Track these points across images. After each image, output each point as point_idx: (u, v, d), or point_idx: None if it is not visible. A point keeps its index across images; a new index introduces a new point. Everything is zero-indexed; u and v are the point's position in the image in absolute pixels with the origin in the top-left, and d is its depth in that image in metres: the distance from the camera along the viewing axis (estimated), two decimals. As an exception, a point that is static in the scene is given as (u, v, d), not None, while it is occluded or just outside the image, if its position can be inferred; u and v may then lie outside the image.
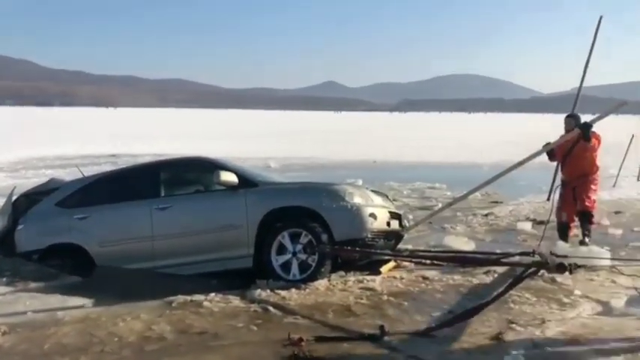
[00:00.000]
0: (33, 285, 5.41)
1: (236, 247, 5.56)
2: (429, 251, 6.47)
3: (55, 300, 5.00)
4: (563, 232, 6.96)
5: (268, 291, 5.09)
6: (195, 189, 6.26)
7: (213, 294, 5.02)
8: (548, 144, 6.95)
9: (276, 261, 5.46)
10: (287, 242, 5.47)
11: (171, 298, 4.93)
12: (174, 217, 5.76)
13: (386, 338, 3.99)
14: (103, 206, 6.01)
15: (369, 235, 5.56)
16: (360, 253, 5.61)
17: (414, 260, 6.06)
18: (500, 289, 4.58)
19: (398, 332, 4.12)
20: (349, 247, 5.41)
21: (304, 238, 5.43)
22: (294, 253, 5.44)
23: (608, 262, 5.77)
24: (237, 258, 5.56)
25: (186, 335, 4.17)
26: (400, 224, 6.17)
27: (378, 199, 5.99)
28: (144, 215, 5.80)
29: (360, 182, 10.12)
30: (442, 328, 4.14)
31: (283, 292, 5.04)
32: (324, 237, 5.35)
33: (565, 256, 5.47)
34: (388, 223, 5.85)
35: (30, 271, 5.72)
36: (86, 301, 4.96)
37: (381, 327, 4.07)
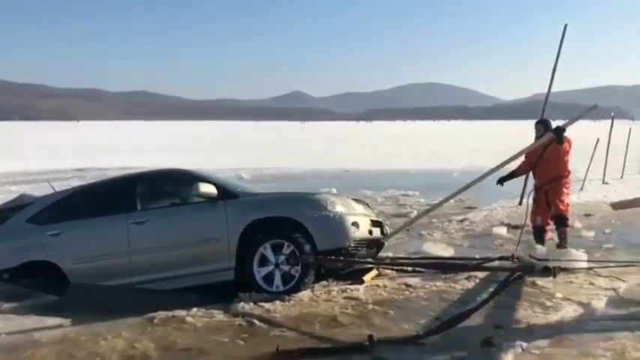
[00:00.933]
0: (5, 306, 5.18)
1: (217, 260, 5.44)
2: (410, 259, 6.49)
3: (31, 321, 4.79)
4: (540, 236, 7.06)
5: (252, 304, 4.99)
6: (172, 202, 6.09)
7: (195, 309, 4.90)
8: (510, 174, 7.27)
9: (259, 273, 5.36)
10: (269, 254, 5.38)
11: (152, 314, 4.78)
12: (152, 231, 5.61)
13: (375, 348, 3.95)
14: (77, 222, 5.81)
15: (352, 244, 5.53)
16: (344, 262, 5.58)
17: (396, 268, 6.06)
18: (486, 295, 4.59)
19: (387, 341, 4.08)
20: (332, 257, 5.37)
21: (287, 249, 5.36)
22: (277, 265, 5.36)
23: (585, 265, 5.86)
24: (219, 271, 5.45)
25: (171, 352, 4.05)
26: (382, 232, 6.15)
27: (359, 208, 5.96)
28: (120, 230, 5.62)
29: (334, 191, 10.10)
30: (430, 336, 4.13)
31: (267, 305, 4.96)
32: (307, 247, 5.30)
33: (546, 260, 5.57)
34: (370, 232, 5.82)
35: (1, 291, 5.50)
36: (63, 321, 4.76)
37: (370, 336, 4.03)
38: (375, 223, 6.05)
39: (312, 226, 5.37)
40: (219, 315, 4.79)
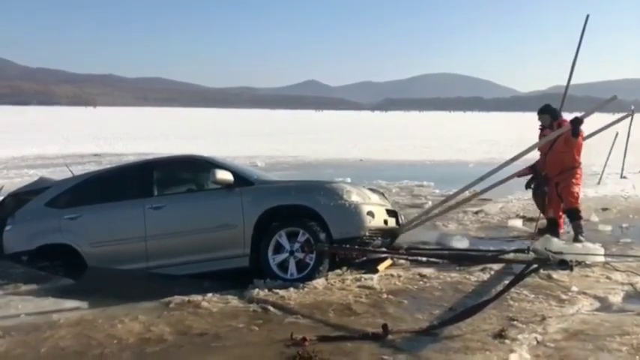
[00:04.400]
0: (24, 288, 5.28)
1: (232, 246, 5.48)
2: (426, 249, 6.47)
3: (49, 302, 4.88)
4: (553, 228, 7.00)
5: (266, 290, 5.03)
6: (188, 188, 6.17)
7: (210, 294, 4.95)
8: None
9: (273, 260, 5.39)
10: (284, 241, 5.40)
11: (168, 298, 4.85)
12: (168, 216, 5.65)
13: (389, 337, 3.97)
14: (95, 206, 5.88)
15: (367, 234, 5.53)
16: (358, 251, 5.59)
17: (410, 258, 6.05)
18: (502, 287, 4.55)
19: (401, 331, 4.09)
20: (347, 246, 5.38)
21: (302, 237, 5.37)
22: (292, 252, 5.37)
23: (602, 259, 5.81)
24: (233, 258, 5.49)
25: (186, 336, 4.10)
26: (397, 222, 6.14)
27: (374, 197, 5.95)
28: (137, 215, 5.68)
29: (349, 180, 10.09)
30: (444, 327, 4.13)
31: (282, 292, 4.99)
32: (322, 235, 5.31)
33: (560, 253, 5.53)
34: (385, 221, 5.81)
35: (20, 273, 5.60)
36: (81, 304, 4.85)
37: (384, 326, 4.05)
38: (391, 213, 6.03)
39: (327, 214, 5.38)
40: (234, 301, 4.84)
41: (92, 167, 15.47)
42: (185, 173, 6.34)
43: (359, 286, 5.20)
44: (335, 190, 5.54)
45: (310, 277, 5.29)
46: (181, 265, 5.54)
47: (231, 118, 66.03)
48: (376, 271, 5.63)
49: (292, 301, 4.82)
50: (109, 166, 15.38)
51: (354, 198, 5.54)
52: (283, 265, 5.38)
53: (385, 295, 4.99)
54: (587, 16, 10.10)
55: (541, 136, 7.34)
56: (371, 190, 6.12)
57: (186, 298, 4.85)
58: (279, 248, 5.41)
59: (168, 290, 5.01)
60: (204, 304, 4.74)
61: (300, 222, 5.40)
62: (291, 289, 5.06)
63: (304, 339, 3.89)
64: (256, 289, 5.04)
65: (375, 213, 5.61)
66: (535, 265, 4.29)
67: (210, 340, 4.02)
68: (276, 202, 5.47)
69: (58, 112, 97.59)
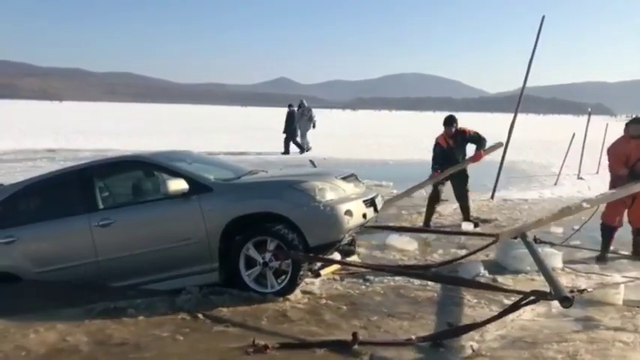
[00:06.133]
0: None
1: (197, 262, 4.89)
2: (400, 266, 5.96)
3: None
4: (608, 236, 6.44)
5: (199, 296, 4.78)
6: (137, 196, 5.44)
7: (138, 300, 4.68)
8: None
9: (249, 277, 4.84)
10: (253, 253, 4.84)
11: (92, 305, 4.56)
12: (120, 234, 5.01)
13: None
14: (31, 226, 5.19)
15: (347, 236, 5.10)
16: (339, 263, 5.32)
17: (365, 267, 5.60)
18: (496, 313, 4.22)
19: (371, 342, 3.90)
20: (324, 257, 5.04)
21: (271, 245, 4.82)
22: (266, 264, 4.82)
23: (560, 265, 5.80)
24: (200, 273, 4.92)
25: (104, 347, 3.85)
26: (375, 209, 5.45)
27: (349, 188, 5.28)
28: (83, 235, 5.02)
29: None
30: (423, 342, 3.90)
31: (215, 298, 4.76)
32: (292, 236, 4.74)
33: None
34: (364, 215, 5.14)
35: None
36: (-6, 313, 4.46)
37: (354, 334, 3.87)
38: (369, 203, 5.32)
39: (301, 221, 4.77)
40: (162, 308, 4.57)
41: (44, 163, 14.97)
42: (130, 178, 5.63)
43: (299, 291, 4.99)
44: (307, 191, 4.87)
45: (292, 283, 4.81)
46: (144, 284, 4.98)
47: (200, 115, 65.13)
48: (319, 275, 5.43)
49: (226, 308, 4.59)
50: (62, 162, 14.96)
51: (329, 196, 4.93)
52: (260, 279, 4.86)
53: (324, 301, 4.82)
54: (543, 18, 10.19)
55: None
56: (344, 179, 5.38)
57: (111, 305, 4.57)
58: (251, 262, 4.87)
59: (93, 297, 4.71)
60: (130, 311, 4.47)
61: (266, 229, 4.82)
62: (226, 295, 4.82)
63: (266, 346, 3.74)
64: (188, 295, 4.78)
65: (354, 210, 4.96)
66: (532, 297, 4.06)
67: (128, 351, 3.78)
68: (242, 211, 4.85)
69: (19, 105, 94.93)
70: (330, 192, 4.98)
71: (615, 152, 6.40)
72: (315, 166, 6.80)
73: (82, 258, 5.04)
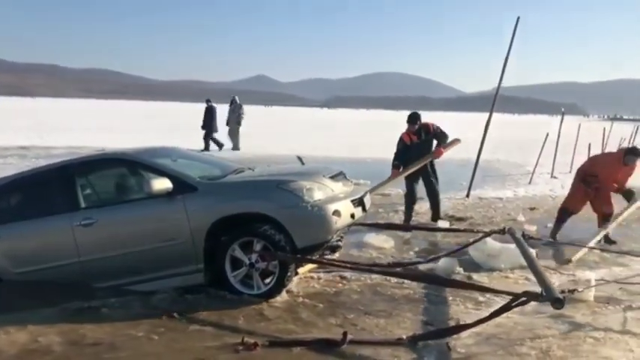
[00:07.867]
0: None
1: (182, 263, 4.82)
2: (385, 265, 5.86)
3: None
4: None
5: (175, 295, 4.75)
6: (120, 195, 5.36)
7: (113, 299, 4.63)
8: None
9: (235, 278, 4.78)
10: (239, 255, 4.78)
11: (66, 305, 4.50)
12: (102, 234, 4.91)
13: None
14: (11, 225, 5.09)
15: (335, 237, 5.02)
16: (329, 264, 5.25)
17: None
18: (486, 315, 4.25)
19: (361, 341, 3.89)
20: (310, 257, 4.93)
21: (257, 245, 4.76)
22: (252, 265, 4.76)
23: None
24: (185, 275, 4.84)
25: (77, 347, 3.80)
26: (364, 209, 5.42)
27: (337, 187, 5.20)
28: (65, 234, 4.92)
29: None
30: (415, 341, 3.90)
31: (191, 297, 4.73)
32: (279, 237, 4.69)
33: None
34: (352, 215, 5.08)
35: None
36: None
37: (344, 333, 3.88)
38: (357, 202, 5.25)
39: (288, 222, 4.70)
40: (137, 307, 4.54)
41: (15, 161, 14.69)
42: (113, 176, 5.51)
43: (276, 290, 4.98)
44: (294, 192, 4.78)
45: (280, 284, 4.76)
46: (128, 285, 4.88)
47: (177, 112, 64.49)
48: (296, 273, 5.42)
49: (202, 307, 4.56)
50: (34, 160, 14.70)
51: (317, 196, 4.85)
52: (247, 280, 4.80)
53: (301, 299, 4.82)
54: (518, 18, 10.31)
55: None
56: (332, 177, 5.30)
57: (85, 304, 4.52)
58: (237, 263, 4.81)
59: (67, 296, 4.64)
60: (105, 310, 4.43)
61: (252, 229, 4.76)
62: (202, 294, 4.80)
63: (255, 344, 3.73)
64: (163, 294, 4.75)
65: (342, 210, 4.89)
66: (524, 299, 4.07)
67: (102, 351, 3.73)
68: (228, 211, 4.76)
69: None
70: (318, 192, 4.91)
71: (609, 174, 7.12)
72: (303, 163, 6.75)
73: (63, 258, 4.93)
